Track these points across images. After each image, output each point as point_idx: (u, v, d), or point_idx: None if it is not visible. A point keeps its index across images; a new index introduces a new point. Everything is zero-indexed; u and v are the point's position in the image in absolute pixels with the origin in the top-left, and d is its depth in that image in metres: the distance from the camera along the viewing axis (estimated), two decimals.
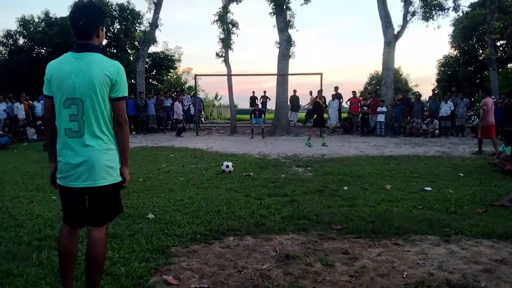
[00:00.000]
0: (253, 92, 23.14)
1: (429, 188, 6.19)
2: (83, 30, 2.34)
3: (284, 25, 17.82)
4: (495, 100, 16.16)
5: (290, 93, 19.67)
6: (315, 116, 13.59)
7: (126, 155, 2.53)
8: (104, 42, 24.50)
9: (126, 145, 2.51)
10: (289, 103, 19.68)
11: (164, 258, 3.34)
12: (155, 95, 19.54)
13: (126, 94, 2.41)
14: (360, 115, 17.89)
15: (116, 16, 24.27)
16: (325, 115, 14.74)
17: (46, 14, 23.29)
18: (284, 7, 17.81)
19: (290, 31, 17.99)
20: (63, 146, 2.37)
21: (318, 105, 13.43)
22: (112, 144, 2.44)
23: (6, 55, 22.98)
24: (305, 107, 19.32)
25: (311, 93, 20.14)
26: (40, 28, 22.84)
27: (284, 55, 17.73)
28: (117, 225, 4.16)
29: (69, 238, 2.51)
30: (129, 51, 25.48)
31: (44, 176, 6.97)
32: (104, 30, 2.49)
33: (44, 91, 2.41)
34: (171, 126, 19.18)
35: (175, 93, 20.80)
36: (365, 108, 17.48)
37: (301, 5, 18.74)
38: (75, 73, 2.28)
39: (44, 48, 23.23)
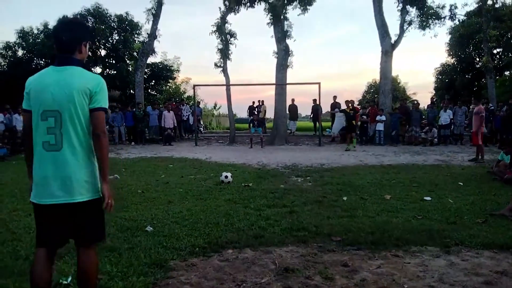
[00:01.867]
0: (253, 102, 23.17)
1: (428, 198, 6.18)
2: (65, 44, 2.33)
3: (281, 35, 17.93)
4: (492, 108, 16.25)
5: (288, 102, 19.73)
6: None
7: (105, 169, 2.35)
8: (103, 53, 24.76)
9: (105, 158, 2.34)
10: (287, 112, 19.73)
11: (163, 272, 3.31)
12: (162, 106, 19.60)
13: (105, 106, 2.33)
14: (359, 124, 17.92)
15: (115, 27, 24.43)
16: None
17: (45, 25, 23.43)
18: (282, 17, 17.95)
19: (287, 41, 18.13)
20: (39, 160, 2.28)
21: (346, 112, 15.53)
22: (92, 157, 2.35)
23: (5, 67, 23.06)
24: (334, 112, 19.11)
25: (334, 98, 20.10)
26: (39, 40, 22.96)
27: (282, 64, 17.81)
28: (116, 238, 4.13)
29: (45, 267, 2.34)
30: (127, 61, 25.59)
31: None
32: (88, 46, 2.47)
33: (23, 105, 2.35)
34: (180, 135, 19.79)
35: (166, 103, 20.78)
36: (364, 117, 17.52)
37: (298, 15, 18.91)
38: (53, 85, 2.25)
39: (43, 60, 23.31)
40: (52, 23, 23.48)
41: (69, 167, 2.25)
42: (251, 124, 16.62)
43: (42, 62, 23.50)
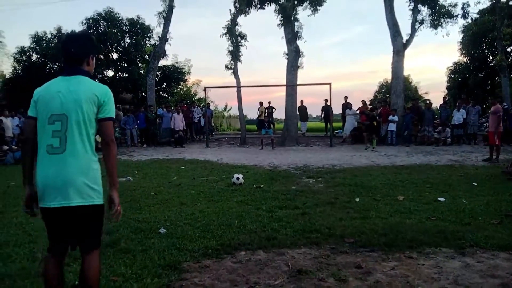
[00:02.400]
0: (261, 102, 23.01)
1: (442, 199, 6.11)
2: (74, 56, 2.44)
3: (292, 36, 17.92)
4: (507, 107, 15.99)
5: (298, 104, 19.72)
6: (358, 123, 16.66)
7: (114, 176, 2.40)
8: (115, 56, 25.02)
9: (114, 166, 2.40)
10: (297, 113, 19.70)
11: (176, 274, 3.34)
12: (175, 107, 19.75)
13: (113, 115, 2.41)
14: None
15: (127, 30, 24.63)
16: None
17: (59, 30, 23.75)
18: (292, 18, 17.94)
19: (298, 42, 18.10)
20: (42, 163, 2.30)
21: (366, 113, 16.11)
22: (94, 163, 2.37)
23: (19, 71, 23.43)
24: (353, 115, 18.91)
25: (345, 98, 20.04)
26: (52, 44, 23.27)
27: (293, 66, 17.79)
28: (130, 240, 4.18)
29: (56, 268, 2.42)
30: (139, 64, 25.80)
31: None
32: (94, 60, 2.57)
33: (28, 112, 2.42)
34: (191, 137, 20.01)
35: (177, 105, 20.87)
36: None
37: (308, 16, 18.88)
38: (62, 91, 2.32)
39: (57, 64, 23.62)
40: (65, 28, 23.86)
41: (70, 170, 2.26)
42: (260, 126, 16.66)
43: (56, 66, 23.83)
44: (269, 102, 22.25)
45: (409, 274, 3.32)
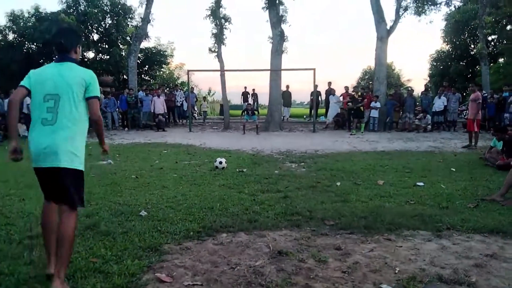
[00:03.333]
0: (245, 87, 23.07)
1: (421, 183, 6.23)
2: (63, 46, 2.94)
3: (277, 20, 17.76)
4: (486, 95, 16.30)
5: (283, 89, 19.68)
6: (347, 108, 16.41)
7: (102, 139, 3.19)
8: (96, 37, 24.44)
9: (101, 134, 3.13)
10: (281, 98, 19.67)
11: (157, 256, 3.33)
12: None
13: (98, 94, 2.93)
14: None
15: (108, 11, 24.06)
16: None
17: (36, 9, 23.01)
18: (277, 1, 17.75)
19: (283, 26, 17.95)
20: (38, 132, 2.78)
21: (355, 99, 15.69)
22: (77, 135, 2.85)
23: None
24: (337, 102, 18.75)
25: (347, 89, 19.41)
26: (30, 23, 22.56)
27: (277, 50, 17.68)
28: (110, 223, 4.14)
29: (49, 213, 2.93)
30: (120, 46, 25.26)
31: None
32: (80, 48, 3.09)
33: (22, 82, 2.86)
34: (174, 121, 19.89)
35: (158, 88, 20.50)
36: (350, 104, 17.37)
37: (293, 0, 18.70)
38: (56, 75, 2.82)
39: (35, 44, 22.96)
40: (43, 7, 23.14)
41: (59, 138, 2.74)
42: (245, 113, 16.66)
43: (34, 47, 23.14)
44: (253, 89, 22.32)
45: (387, 256, 3.39)
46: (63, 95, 2.77)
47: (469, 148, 10.81)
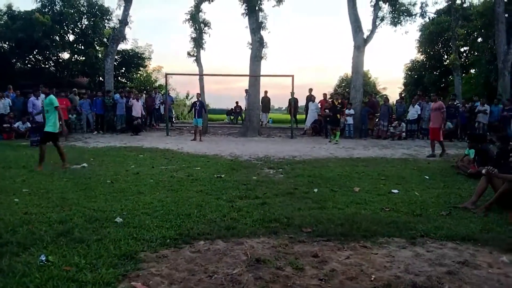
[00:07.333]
0: (237, 102, 24.35)
1: (396, 191, 6.35)
2: None
3: (256, 26, 17.86)
4: (458, 104, 16.82)
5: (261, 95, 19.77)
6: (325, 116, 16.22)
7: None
8: (71, 37, 23.94)
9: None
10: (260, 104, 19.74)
11: (133, 264, 3.26)
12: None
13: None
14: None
15: (84, 11, 23.61)
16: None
17: (9, 7, 22.31)
18: (257, 8, 17.85)
19: (262, 32, 18.06)
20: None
21: (334, 106, 15.71)
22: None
23: None
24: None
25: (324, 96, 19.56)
26: (2, 22, 21.89)
27: (256, 56, 17.77)
28: (84, 230, 4.04)
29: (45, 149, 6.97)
30: (97, 47, 24.79)
31: (6, 177, 6.70)
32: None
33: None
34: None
35: (134, 92, 20.04)
36: (327, 111, 17.59)
37: (273, 6, 18.86)
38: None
39: (7, 43, 22.28)
40: (16, 6, 22.57)
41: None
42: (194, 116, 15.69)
43: (6, 46, 22.45)
44: (237, 102, 22.76)
45: (363, 263, 3.43)
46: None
47: (441, 156, 10.91)
